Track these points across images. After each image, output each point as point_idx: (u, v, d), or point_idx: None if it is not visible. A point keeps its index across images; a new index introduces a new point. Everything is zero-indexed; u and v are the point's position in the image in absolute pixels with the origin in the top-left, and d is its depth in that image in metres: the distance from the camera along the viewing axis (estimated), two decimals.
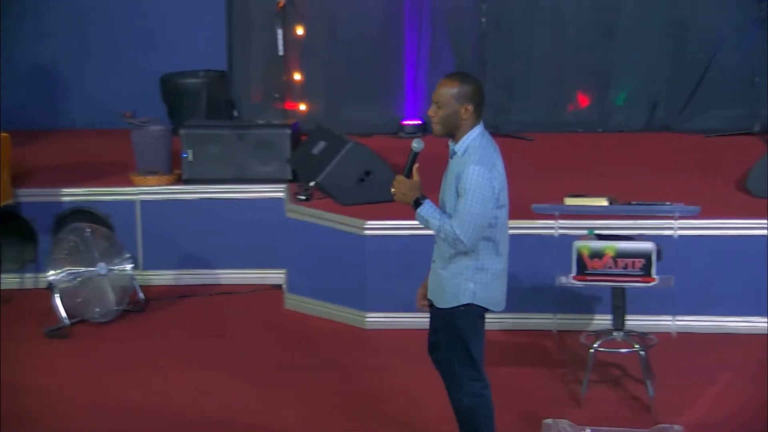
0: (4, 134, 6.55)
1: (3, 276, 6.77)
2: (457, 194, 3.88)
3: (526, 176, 6.80)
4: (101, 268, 6.17)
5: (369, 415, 4.94)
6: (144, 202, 6.75)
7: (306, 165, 6.58)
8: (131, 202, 6.74)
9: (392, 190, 3.97)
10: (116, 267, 6.23)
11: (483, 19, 7.85)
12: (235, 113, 8.34)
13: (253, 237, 6.71)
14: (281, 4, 7.98)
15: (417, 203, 3.93)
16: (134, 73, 8.41)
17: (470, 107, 3.90)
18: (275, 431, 4.82)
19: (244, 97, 8.36)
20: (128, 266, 6.28)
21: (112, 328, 6.09)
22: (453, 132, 3.96)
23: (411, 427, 4.82)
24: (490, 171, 3.88)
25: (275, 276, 6.66)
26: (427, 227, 3.95)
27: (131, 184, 6.78)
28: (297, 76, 8.23)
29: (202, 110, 8.12)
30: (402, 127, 8.05)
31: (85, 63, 8.52)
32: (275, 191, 6.70)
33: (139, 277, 6.57)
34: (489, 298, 4.00)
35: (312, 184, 6.36)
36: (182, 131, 6.85)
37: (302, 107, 8.26)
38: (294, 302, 6.32)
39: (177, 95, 8.18)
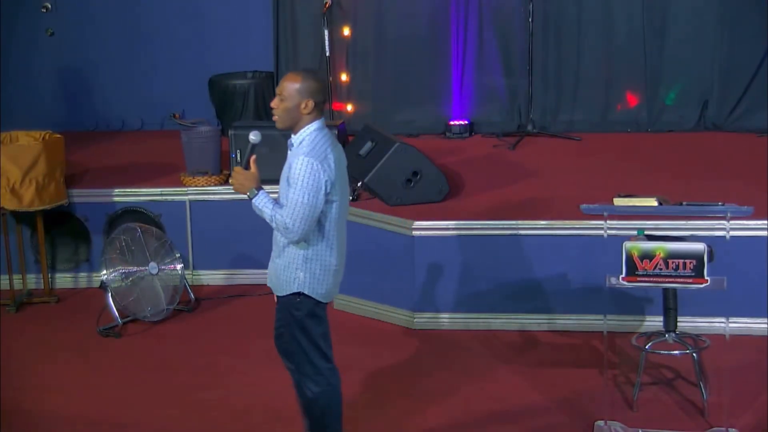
0: (57, 135, 6.66)
1: (58, 275, 6.90)
2: (288, 185, 4.02)
3: (574, 176, 6.80)
4: (152, 267, 6.25)
5: (415, 414, 4.95)
6: (193, 203, 6.82)
7: (353, 165, 6.56)
8: (181, 203, 6.81)
9: (230, 180, 4.15)
10: (167, 267, 6.31)
11: (530, 19, 7.82)
12: None
13: None
14: (328, 5, 8.02)
15: (253, 194, 4.08)
16: (183, 74, 8.51)
17: (311, 102, 4.05)
18: None
19: None
20: (179, 266, 6.36)
21: (163, 327, 6.17)
22: (293, 125, 4.10)
23: (458, 425, 4.83)
24: (320, 163, 3.99)
25: None
26: (262, 217, 4.11)
27: (181, 184, 6.85)
28: (344, 77, 8.26)
29: (250, 111, 8.19)
30: (449, 128, 8.06)
31: (135, 64, 8.64)
32: None
33: (189, 276, 6.66)
34: (319, 289, 4.12)
35: (359, 184, 6.39)
36: (231, 132, 6.90)
37: (349, 108, 8.30)
38: (342, 302, 6.34)
39: (225, 96, 8.26)
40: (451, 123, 8.08)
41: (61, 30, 8.58)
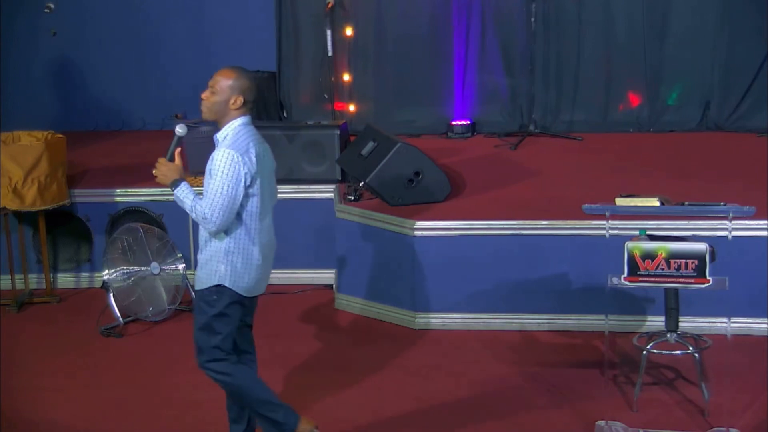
0: (59, 135, 6.67)
1: (59, 275, 6.91)
2: (210, 176, 4.08)
3: (576, 177, 6.80)
4: (154, 267, 6.25)
5: (414, 414, 4.95)
6: None
7: (355, 165, 6.60)
8: None
9: (153, 171, 4.20)
10: (169, 267, 6.32)
11: (532, 19, 7.82)
12: (284, 114, 8.41)
13: (302, 237, 6.75)
14: (330, 5, 8.02)
15: (175, 184, 4.14)
16: (184, 74, 8.51)
17: (240, 99, 4.13)
18: (328, 429, 4.85)
19: (293, 98, 8.42)
20: (180, 266, 6.36)
21: (164, 327, 6.18)
22: (218, 119, 4.18)
23: (457, 424, 4.82)
24: (241, 155, 4.05)
25: (325, 276, 6.69)
26: (183, 208, 4.16)
27: None
28: (346, 77, 8.27)
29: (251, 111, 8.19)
30: (451, 128, 8.06)
31: (136, 64, 8.64)
32: (325, 192, 6.73)
33: (191, 276, 6.64)
34: (240, 282, 4.17)
35: (361, 184, 6.39)
36: None
37: (351, 108, 8.30)
38: (344, 302, 6.34)
39: None
40: (453, 123, 8.08)
41: (62, 30, 8.58)
